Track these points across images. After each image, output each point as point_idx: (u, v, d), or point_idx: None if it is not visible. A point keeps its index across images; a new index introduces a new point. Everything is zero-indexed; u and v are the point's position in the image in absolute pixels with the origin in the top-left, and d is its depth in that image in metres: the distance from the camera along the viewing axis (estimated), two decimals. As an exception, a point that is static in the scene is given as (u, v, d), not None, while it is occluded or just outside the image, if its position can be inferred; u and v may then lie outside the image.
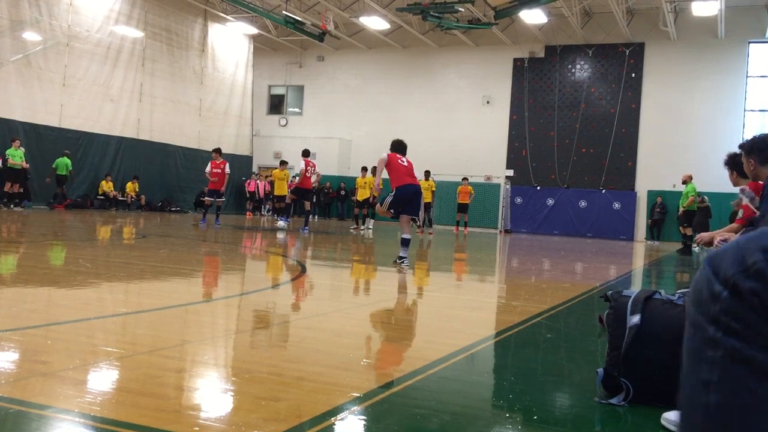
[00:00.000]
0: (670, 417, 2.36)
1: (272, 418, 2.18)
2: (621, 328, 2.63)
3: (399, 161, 8.39)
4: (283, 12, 23.75)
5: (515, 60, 27.23)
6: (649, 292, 2.72)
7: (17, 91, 19.83)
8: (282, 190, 18.55)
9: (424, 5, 20.66)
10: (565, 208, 26.11)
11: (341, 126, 29.86)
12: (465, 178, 22.44)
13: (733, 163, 5.47)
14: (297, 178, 15.98)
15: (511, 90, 27.34)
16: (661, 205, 24.13)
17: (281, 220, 16.44)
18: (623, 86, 25.62)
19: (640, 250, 18.25)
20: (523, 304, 5.70)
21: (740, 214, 5.19)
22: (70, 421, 2.07)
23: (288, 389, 2.55)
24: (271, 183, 23.63)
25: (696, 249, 16.32)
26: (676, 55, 24.91)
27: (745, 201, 5.12)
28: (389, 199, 8.27)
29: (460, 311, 5.29)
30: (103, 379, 2.63)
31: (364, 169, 19.10)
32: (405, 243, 8.29)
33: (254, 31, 28.00)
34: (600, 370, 2.67)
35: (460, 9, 21.06)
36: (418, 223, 17.75)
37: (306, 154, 16.01)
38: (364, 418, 2.32)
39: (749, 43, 24.15)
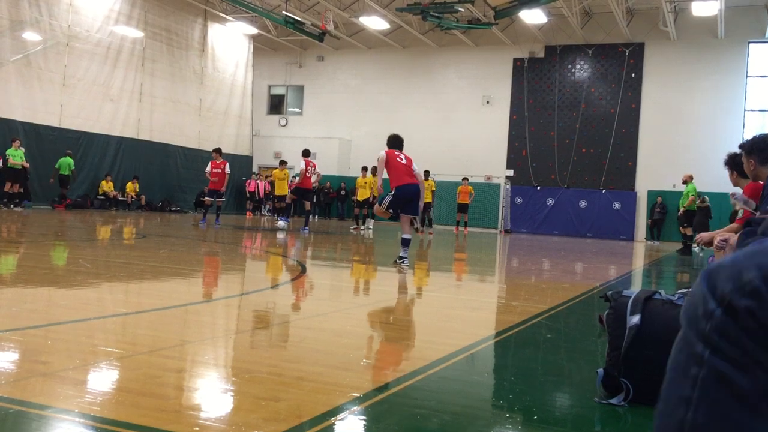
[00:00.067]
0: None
1: (272, 418, 2.18)
2: (621, 328, 2.63)
3: (398, 159, 8.36)
4: (283, 12, 23.76)
5: (515, 60, 27.23)
6: (649, 293, 2.72)
7: (17, 91, 19.83)
8: (282, 189, 18.56)
9: (424, 5, 20.66)
10: (565, 208, 26.11)
11: (341, 126, 29.86)
12: (465, 178, 22.44)
13: (733, 163, 5.48)
14: (297, 178, 15.99)
15: (511, 90, 27.35)
16: (661, 205, 24.13)
17: (281, 220, 16.44)
18: (623, 86, 25.63)
19: (640, 250, 18.25)
20: (523, 304, 5.70)
21: (740, 214, 5.19)
22: (70, 421, 2.07)
23: (288, 389, 2.55)
24: (272, 183, 23.63)
25: (696, 249, 16.32)
26: (676, 55, 24.92)
27: (740, 206, 5.13)
28: (388, 198, 8.26)
29: (460, 311, 5.29)
30: (103, 379, 2.63)
31: (365, 169, 19.10)
32: (405, 243, 8.28)
33: (254, 31, 28.00)
34: (600, 370, 2.67)
35: (460, 9, 21.06)
36: (416, 226, 17.71)
37: (306, 154, 16.01)
38: (364, 418, 2.32)
39: (749, 43, 24.15)
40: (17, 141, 18.71)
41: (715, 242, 4.52)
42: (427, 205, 19.56)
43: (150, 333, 3.58)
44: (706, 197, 16.54)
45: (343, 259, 10.13)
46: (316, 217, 26.71)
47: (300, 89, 31.38)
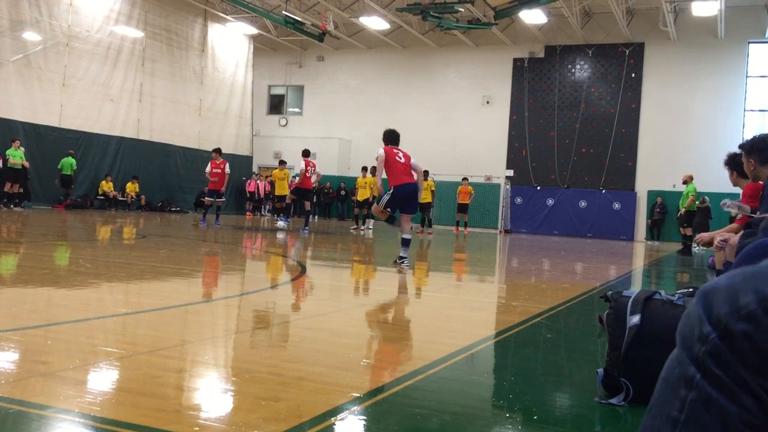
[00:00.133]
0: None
1: (272, 418, 2.18)
2: (621, 328, 2.63)
3: (396, 158, 8.35)
4: (283, 12, 23.76)
5: (515, 60, 27.23)
6: (649, 293, 2.72)
7: (17, 91, 19.84)
8: (283, 189, 18.55)
9: (424, 5, 20.67)
10: (565, 208, 26.11)
11: (341, 126, 29.86)
12: (465, 178, 22.44)
13: (733, 163, 5.48)
14: (297, 178, 15.99)
15: (511, 90, 27.35)
16: (661, 205, 24.13)
17: (281, 220, 16.44)
18: (623, 86, 25.63)
19: (640, 250, 18.25)
20: (523, 304, 5.70)
21: (740, 214, 5.19)
22: (70, 421, 2.07)
23: (288, 389, 2.55)
24: (272, 183, 23.64)
25: (696, 249, 16.32)
26: (676, 55, 24.92)
27: (734, 213, 5.12)
28: (386, 197, 8.26)
29: (459, 311, 5.29)
30: (103, 379, 2.63)
31: (365, 169, 19.10)
32: (405, 243, 8.28)
33: (254, 31, 28.00)
34: (600, 370, 2.67)
35: (460, 9, 21.06)
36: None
37: (306, 154, 16.01)
38: (364, 418, 2.32)
39: (749, 43, 24.15)
40: (17, 141, 18.72)
41: (715, 242, 4.52)
42: (427, 205, 19.56)
43: (150, 333, 3.58)
44: (707, 198, 16.54)
45: (343, 260, 10.13)
46: (316, 217, 26.72)
47: (300, 89, 31.38)
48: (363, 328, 4.31)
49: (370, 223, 19.84)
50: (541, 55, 26.91)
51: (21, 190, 18.91)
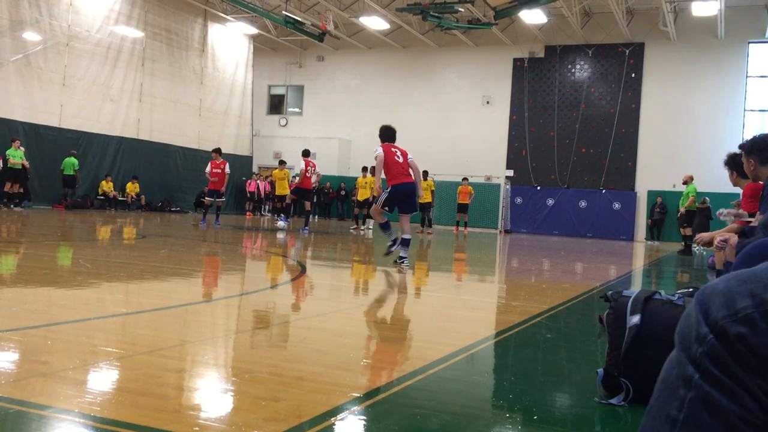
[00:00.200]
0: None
1: (272, 418, 2.18)
2: (621, 328, 2.63)
3: (395, 157, 8.34)
4: (283, 12, 23.76)
5: (515, 60, 27.24)
6: (649, 293, 2.72)
7: (17, 91, 19.84)
8: (283, 189, 18.55)
9: (424, 5, 20.67)
10: (565, 208, 26.11)
11: (341, 126, 29.87)
12: (465, 178, 22.45)
13: (733, 163, 5.48)
14: (297, 178, 15.99)
15: (511, 90, 27.35)
16: (661, 205, 24.14)
17: (281, 220, 16.44)
18: (623, 86, 25.63)
19: (640, 250, 18.25)
20: (523, 304, 5.70)
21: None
22: (70, 421, 2.07)
23: (288, 389, 2.55)
24: (272, 183, 23.64)
25: (696, 249, 16.32)
26: (676, 55, 24.92)
27: (732, 220, 5.13)
28: (384, 196, 8.27)
29: (459, 311, 5.29)
30: (103, 379, 2.63)
31: (365, 169, 19.11)
32: (405, 243, 8.28)
33: (254, 31, 28.01)
34: (600, 370, 2.67)
35: (460, 9, 21.07)
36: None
37: (306, 154, 16.01)
38: (364, 418, 2.32)
39: (749, 43, 24.16)
40: (17, 141, 18.73)
41: (715, 242, 4.52)
42: (427, 205, 19.56)
43: (150, 333, 3.58)
44: (707, 198, 16.53)
45: (343, 259, 10.13)
46: (316, 217, 26.72)
47: (300, 89, 31.39)
48: (363, 328, 4.31)
49: (370, 223, 19.83)
50: (541, 55, 26.92)
51: (21, 190, 18.92)
